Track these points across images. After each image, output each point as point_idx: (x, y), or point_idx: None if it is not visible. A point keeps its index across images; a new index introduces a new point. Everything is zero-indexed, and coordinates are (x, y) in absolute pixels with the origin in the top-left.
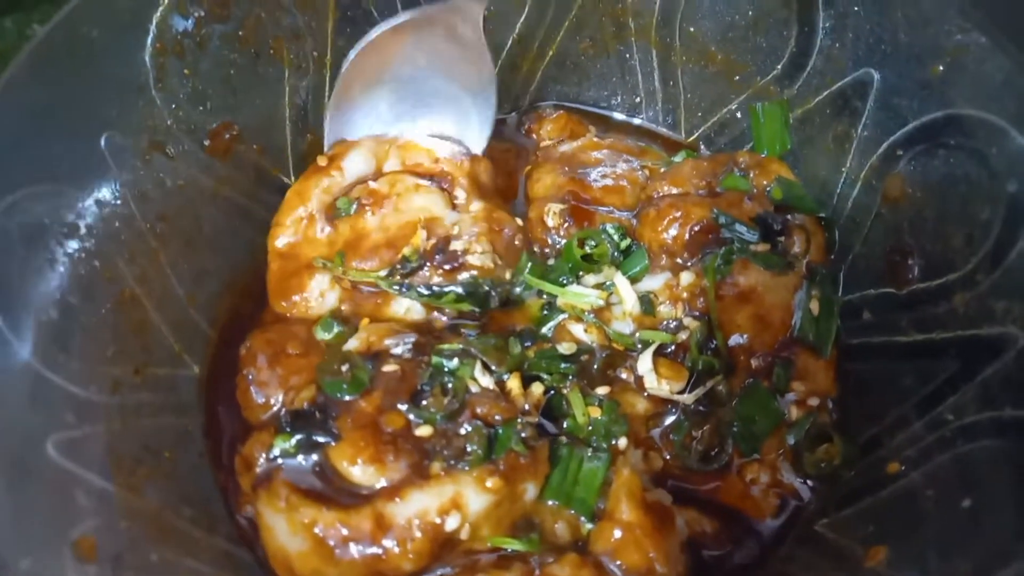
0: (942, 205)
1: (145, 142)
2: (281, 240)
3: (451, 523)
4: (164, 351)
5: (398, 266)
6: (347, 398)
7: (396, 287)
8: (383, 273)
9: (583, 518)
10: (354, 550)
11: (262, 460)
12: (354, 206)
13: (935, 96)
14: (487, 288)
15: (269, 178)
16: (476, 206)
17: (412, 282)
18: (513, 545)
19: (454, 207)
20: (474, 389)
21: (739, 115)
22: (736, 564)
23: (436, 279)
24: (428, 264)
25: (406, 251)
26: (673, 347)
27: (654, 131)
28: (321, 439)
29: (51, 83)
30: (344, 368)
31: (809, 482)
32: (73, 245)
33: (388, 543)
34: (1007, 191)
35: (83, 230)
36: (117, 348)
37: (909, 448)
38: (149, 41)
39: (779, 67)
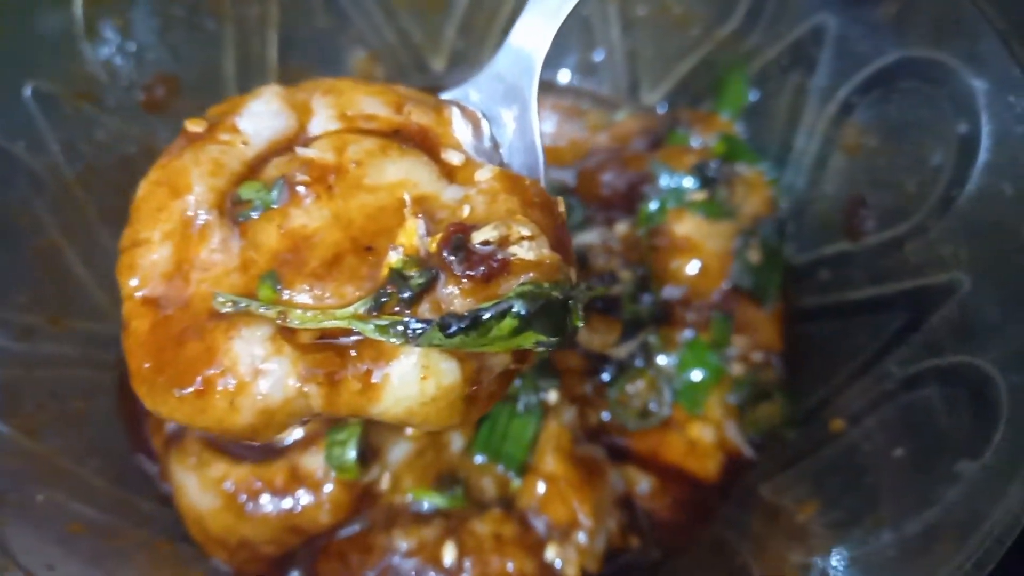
0: (896, 152)
1: (73, 94)
2: (145, 275)
3: (371, 473)
4: (87, 304)
5: (385, 289)
6: None
7: (395, 331)
8: (361, 307)
9: (511, 474)
10: (268, 504)
11: None
12: (276, 193)
13: (889, 39)
14: (559, 296)
15: None
16: (485, 172)
17: (419, 315)
18: (436, 500)
19: (450, 177)
20: None
21: (697, 71)
22: (674, 523)
23: (461, 300)
24: (442, 275)
25: (392, 259)
26: (606, 300)
27: (596, 94)
28: None
29: None
30: None
31: (753, 442)
32: None
33: (303, 495)
34: (957, 133)
35: (2, 175)
36: (32, 296)
37: (853, 405)
38: None
39: (736, 17)
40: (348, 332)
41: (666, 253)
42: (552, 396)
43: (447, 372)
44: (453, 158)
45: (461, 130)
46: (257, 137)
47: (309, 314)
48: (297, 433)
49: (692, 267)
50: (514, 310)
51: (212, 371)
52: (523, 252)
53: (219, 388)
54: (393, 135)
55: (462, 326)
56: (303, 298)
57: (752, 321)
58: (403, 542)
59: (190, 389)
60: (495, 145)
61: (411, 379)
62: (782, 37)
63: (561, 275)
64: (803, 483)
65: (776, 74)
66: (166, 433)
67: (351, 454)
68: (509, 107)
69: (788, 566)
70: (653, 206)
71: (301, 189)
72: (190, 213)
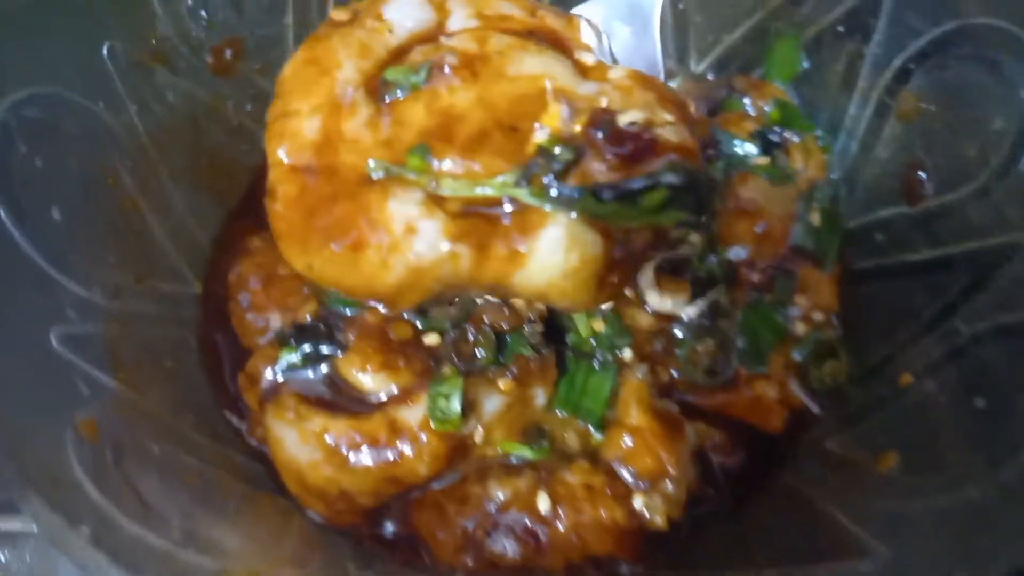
0: (955, 118)
1: (147, 54)
2: (295, 143)
3: (468, 425)
4: (166, 264)
5: (536, 161)
6: (350, 312)
7: (549, 196)
8: (510, 177)
9: (592, 428)
10: (368, 456)
11: (268, 374)
12: (423, 75)
13: (947, 7)
14: (701, 178)
15: (270, 99)
16: (619, 71)
17: (570, 183)
18: (524, 452)
19: (584, 75)
20: (479, 299)
21: (749, 39)
22: (745, 476)
23: (609, 174)
24: (588, 153)
25: (540, 137)
26: (674, 262)
27: None
28: (327, 350)
29: None
30: None
31: (817, 397)
32: (75, 148)
33: (403, 447)
34: (1020, 97)
35: (85, 135)
36: (119, 255)
37: (920, 361)
38: None
39: None
40: (496, 202)
41: (731, 216)
42: (627, 353)
43: (591, 244)
44: (586, 58)
45: (589, 37)
46: (400, 27)
47: (461, 182)
48: (393, 388)
49: (757, 229)
50: (664, 181)
51: (367, 228)
52: (668, 134)
53: (373, 244)
54: (528, 35)
55: (615, 193)
56: (453, 169)
57: (813, 282)
58: (499, 492)
59: (345, 243)
60: (613, 60)
61: (558, 247)
62: (838, 4)
63: (700, 161)
64: (875, 436)
65: (830, 42)
66: (261, 390)
67: (456, 406)
68: (630, 24)
69: (874, 513)
70: (719, 169)
71: (448, 72)
72: (339, 89)
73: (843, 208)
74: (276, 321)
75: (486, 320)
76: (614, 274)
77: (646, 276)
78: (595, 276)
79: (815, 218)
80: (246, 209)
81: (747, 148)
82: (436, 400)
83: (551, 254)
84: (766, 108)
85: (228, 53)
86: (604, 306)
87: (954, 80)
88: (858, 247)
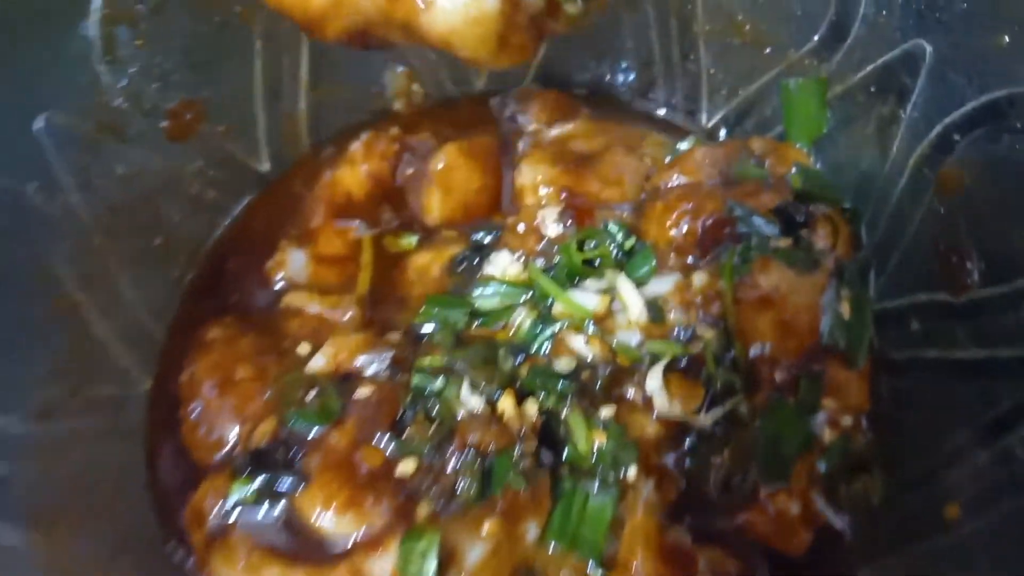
0: (1007, 199)
1: (91, 124)
2: None
3: None
4: (109, 366)
5: None
6: (315, 432)
7: None
8: None
9: (591, 563)
10: None
11: (216, 511)
12: None
13: (998, 72)
14: None
15: (236, 164)
16: None
17: None
18: None
19: None
20: (462, 413)
21: (768, 94)
22: None
23: None
24: None
25: None
26: (686, 360)
27: (654, 115)
28: (286, 483)
29: None
30: (310, 395)
31: (847, 517)
32: None
33: None
34: None
35: (11, 225)
36: (50, 365)
37: (969, 487)
38: (95, 6)
39: (816, 38)
40: None
41: (751, 307)
42: (632, 472)
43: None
44: None
45: None
46: None
47: None
48: (360, 532)
49: (780, 324)
50: None
51: None
52: None
53: None
54: None
55: None
56: None
57: (841, 380)
58: None
59: None
60: None
61: None
62: (869, 61)
63: None
64: (915, 567)
65: (859, 101)
66: (207, 529)
67: (431, 566)
68: None
69: None
70: (735, 254)
71: None
72: None
73: (874, 289)
74: (232, 433)
75: (470, 440)
76: (516, 35)
77: (655, 378)
78: (495, 33)
79: (845, 309)
80: (205, 290)
81: (767, 228)
82: (409, 558)
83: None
84: (785, 173)
85: (186, 116)
86: (605, 414)
87: (1006, 155)
88: (891, 333)
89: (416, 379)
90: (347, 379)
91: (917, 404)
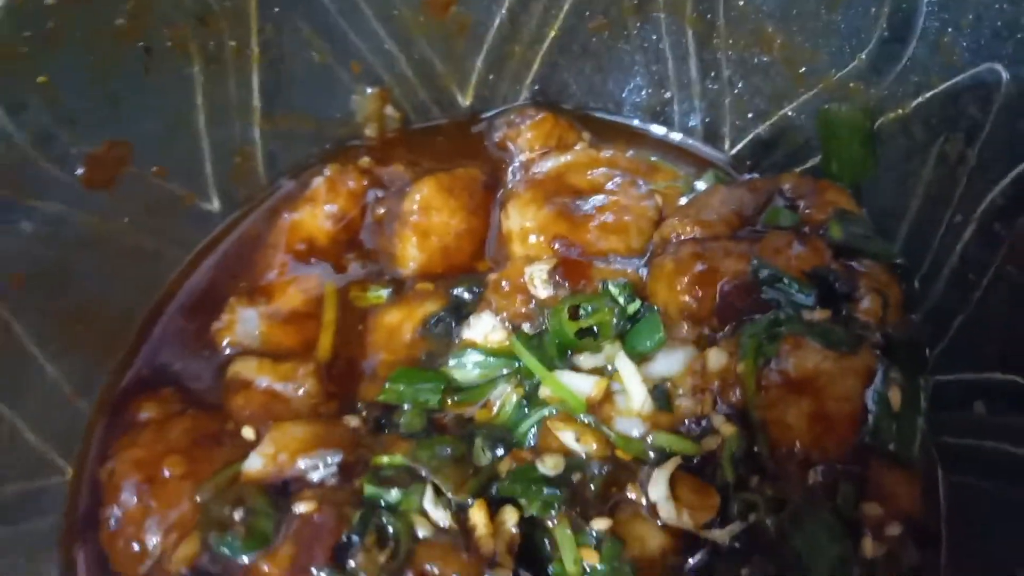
0: None
1: None
2: None
3: None
4: (19, 462)
5: None
6: (243, 559)
7: None
8: None
9: None
10: None
11: None
12: None
13: None
14: None
15: (178, 207)
16: None
17: None
18: None
19: None
20: (423, 532)
21: (802, 120)
22: None
23: None
24: None
25: None
26: (699, 458)
27: (667, 140)
28: None
29: None
30: (238, 513)
31: None
32: None
33: None
34: None
35: None
36: None
37: None
38: None
39: (862, 56)
40: None
41: (779, 396)
42: None
43: None
44: None
45: None
46: None
47: None
48: None
49: (815, 417)
50: None
51: None
52: None
53: None
54: None
55: None
56: None
57: (888, 482)
58: None
59: None
60: None
61: None
62: (928, 87)
63: None
64: None
65: (916, 135)
66: None
67: None
68: None
69: None
70: (760, 330)
71: None
72: None
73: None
74: (154, 543)
75: (429, 570)
76: None
77: (659, 483)
78: None
79: (894, 396)
80: (142, 359)
81: (800, 295)
82: None
83: None
84: (823, 222)
85: (108, 160)
86: (599, 526)
87: None
88: (948, 414)
89: (368, 489)
90: (286, 487)
91: (985, 508)
